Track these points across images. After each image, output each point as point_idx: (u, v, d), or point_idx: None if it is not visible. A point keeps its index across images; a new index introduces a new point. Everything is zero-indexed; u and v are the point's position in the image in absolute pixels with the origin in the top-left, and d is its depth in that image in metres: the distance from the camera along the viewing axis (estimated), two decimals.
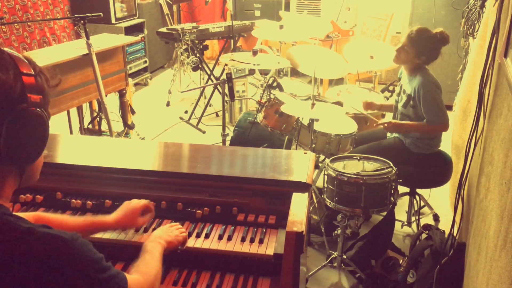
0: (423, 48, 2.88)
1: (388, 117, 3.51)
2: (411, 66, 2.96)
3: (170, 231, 1.58)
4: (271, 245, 1.61)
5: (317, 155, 3.20)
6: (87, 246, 1.04)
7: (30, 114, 1.01)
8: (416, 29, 2.93)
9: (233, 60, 3.62)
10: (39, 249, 0.97)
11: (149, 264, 1.36)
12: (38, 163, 1.11)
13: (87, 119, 4.44)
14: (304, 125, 3.20)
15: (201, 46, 5.22)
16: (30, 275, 0.95)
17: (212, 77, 5.41)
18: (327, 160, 2.74)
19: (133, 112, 4.88)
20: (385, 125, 2.99)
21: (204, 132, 4.81)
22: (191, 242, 1.63)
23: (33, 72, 1.04)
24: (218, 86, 5.07)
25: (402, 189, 3.15)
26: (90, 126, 4.47)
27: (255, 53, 3.62)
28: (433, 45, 2.88)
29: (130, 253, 1.55)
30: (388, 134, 3.18)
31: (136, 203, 1.64)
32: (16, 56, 1.02)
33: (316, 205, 3.16)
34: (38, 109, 1.03)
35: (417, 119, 2.92)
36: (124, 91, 4.26)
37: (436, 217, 3.34)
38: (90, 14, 3.26)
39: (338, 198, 2.58)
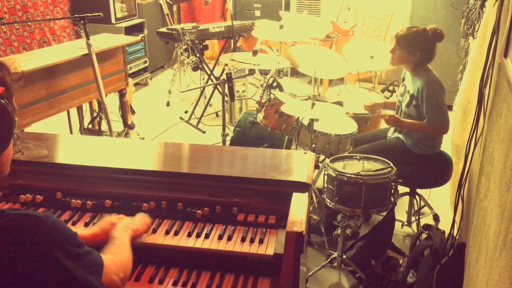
0: (414, 44, 2.87)
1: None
2: (410, 66, 2.95)
3: (134, 221, 1.61)
4: (271, 245, 1.61)
5: (317, 155, 3.20)
6: (61, 223, 1.06)
7: None
8: (404, 28, 2.95)
9: (233, 60, 3.62)
10: (14, 229, 0.98)
11: (119, 247, 1.40)
12: (6, 156, 1.09)
13: (87, 119, 4.44)
14: (304, 125, 3.20)
15: (201, 46, 5.22)
16: (8, 256, 0.96)
17: (212, 77, 5.41)
18: (327, 160, 2.74)
19: (133, 112, 4.88)
20: (387, 117, 2.99)
21: (204, 132, 4.81)
22: (191, 242, 1.63)
23: None
24: (218, 86, 5.07)
25: (402, 189, 3.14)
26: (90, 126, 4.47)
27: (255, 53, 3.62)
28: (423, 39, 2.87)
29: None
30: (389, 134, 3.18)
31: (112, 217, 1.63)
32: None
33: (316, 205, 3.16)
34: (0, 100, 1.02)
35: (420, 119, 2.91)
36: (124, 91, 4.26)
37: (436, 217, 3.34)
38: (90, 14, 3.26)
39: (338, 198, 2.58)
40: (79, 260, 1.05)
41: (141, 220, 1.63)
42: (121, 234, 1.49)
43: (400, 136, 3.06)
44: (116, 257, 1.32)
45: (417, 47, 2.87)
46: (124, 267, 1.32)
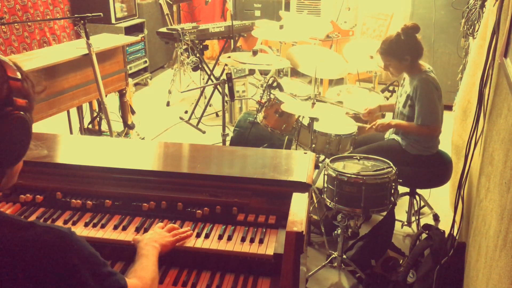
0: (399, 52, 2.88)
1: (388, 117, 3.51)
2: (407, 69, 2.96)
3: (164, 235, 1.59)
4: (271, 245, 1.61)
5: (317, 155, 3.20)
6: (84, 241, 1.08)
7: (15, 118, 1.01)
8: (381, 43, 2.97)
9: (234, 60, 3.61)
10: (43, 241, 1.00)
11: (146, 268, 1.39)
12: (18, 166, 1.11)
13: (87, 119, 4.44)
14: (304, 125, 3.20)
15: (201, 46, 5.22)
16: (36, 266, 0.98)
17: (212, 77, 5.41)
18: (327, 160, 2.74)
19: (133, 112, 4.88)
20: (373, 126, 3.02)
21: (204, 132, 4.81)
22: (191, 242, 1.63)
23: (19, 77, 1.04)
24: (218, 86, 5.08)
25: (402, 189, 3.14)
26: (90, 126, 4.47)
27: (255, 53, 3.62)
28: (403, 43, 2.88)
29: (130, 253, 1.55)
30: (386, 136, 3.18)
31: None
32: (3, 60, 1.03)
33: (316, 205, 3.16)
34: (22, 112, 1.03)
35: (413, 119, 2.91)
36: (124, 91, 4.26)
37: (436, 217, 3.34)
38: (90, 14, 3.26)
39: (338, 198, 2.58)
40: (103, 280, 1.06)
41: (169, 237, 1.60)
42: (149, 251, 1.48)
43: (396, 137, 3.06)
44: (141, 281, 1.30)
45: (403, 52, 2.88)
46: None
